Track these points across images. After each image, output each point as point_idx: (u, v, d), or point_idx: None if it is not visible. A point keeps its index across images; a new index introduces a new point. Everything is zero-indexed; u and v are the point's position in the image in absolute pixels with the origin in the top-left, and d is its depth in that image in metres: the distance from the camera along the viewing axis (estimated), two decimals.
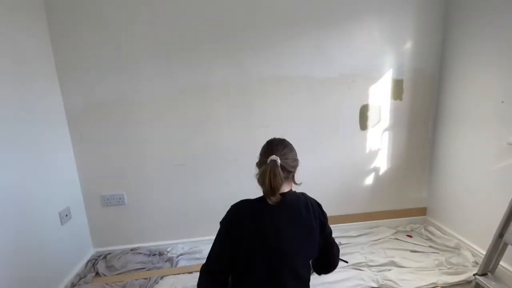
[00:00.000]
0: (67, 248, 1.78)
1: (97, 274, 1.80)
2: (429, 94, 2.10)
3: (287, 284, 1.01)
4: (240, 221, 1.01)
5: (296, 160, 1.10)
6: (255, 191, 1.12)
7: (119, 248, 2.04)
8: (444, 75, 2.04)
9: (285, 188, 1.06)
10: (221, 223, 1.05)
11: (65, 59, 1.77)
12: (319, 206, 1.12)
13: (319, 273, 1.24)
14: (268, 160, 1.01)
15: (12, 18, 1.46)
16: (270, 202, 1.00)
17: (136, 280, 1.71)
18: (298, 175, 1.13)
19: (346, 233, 2.16)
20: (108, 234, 2.05)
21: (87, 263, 1.91)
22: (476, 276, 1.45)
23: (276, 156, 1.01)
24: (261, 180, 1.01)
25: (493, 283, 1.38)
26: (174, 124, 1.93)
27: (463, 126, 1.89)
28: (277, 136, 1.22)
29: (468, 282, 1.60)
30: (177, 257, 1.97)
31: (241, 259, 0.99)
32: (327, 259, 1.17)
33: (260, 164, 1.09)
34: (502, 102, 1.60)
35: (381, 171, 2.20)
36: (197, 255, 1.96)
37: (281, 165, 1.00)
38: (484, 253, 1.45)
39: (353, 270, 1.75)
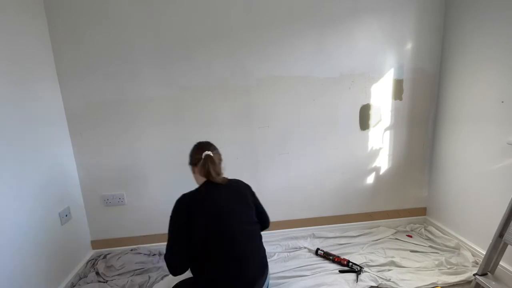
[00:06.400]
0: (67, 248, 1.78)
1: (97, 274, 1.80)
2: (429, 94, 2.10)
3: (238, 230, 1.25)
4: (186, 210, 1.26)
5: (221, 156, 1.42)
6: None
7: (119, 248, 2.04)
8: (444, 75, 2.04)
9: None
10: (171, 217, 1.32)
11: (65, 59, 1.78)
12: (244, 183, 1.44)
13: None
14: (203, 155, 1.31)
15: (12, 17, 1.46)
16: (218, 181, 1.29)
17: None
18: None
19: (346, 233, 2.16)
20: (108, 234, 2.05)
21: (87, 263, 1.91)
22: (476, 276, 1.45)
23: (208, 151, 1.32)
24: (203, 171, 1.30)
25: (493, 283, 1.38)
26: (174, 123, 1.93)
27: (463, 126, 1.89)
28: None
29: (468, 282, 1.60)
30: None
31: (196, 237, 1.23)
32: (262, 219, 1.44)
33: (193, 161, 1.36)
34: (502, 102, 1.60)
35: (381, 171, 2.19)
36: None
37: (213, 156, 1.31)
38: (484, 253, 1.45)
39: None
